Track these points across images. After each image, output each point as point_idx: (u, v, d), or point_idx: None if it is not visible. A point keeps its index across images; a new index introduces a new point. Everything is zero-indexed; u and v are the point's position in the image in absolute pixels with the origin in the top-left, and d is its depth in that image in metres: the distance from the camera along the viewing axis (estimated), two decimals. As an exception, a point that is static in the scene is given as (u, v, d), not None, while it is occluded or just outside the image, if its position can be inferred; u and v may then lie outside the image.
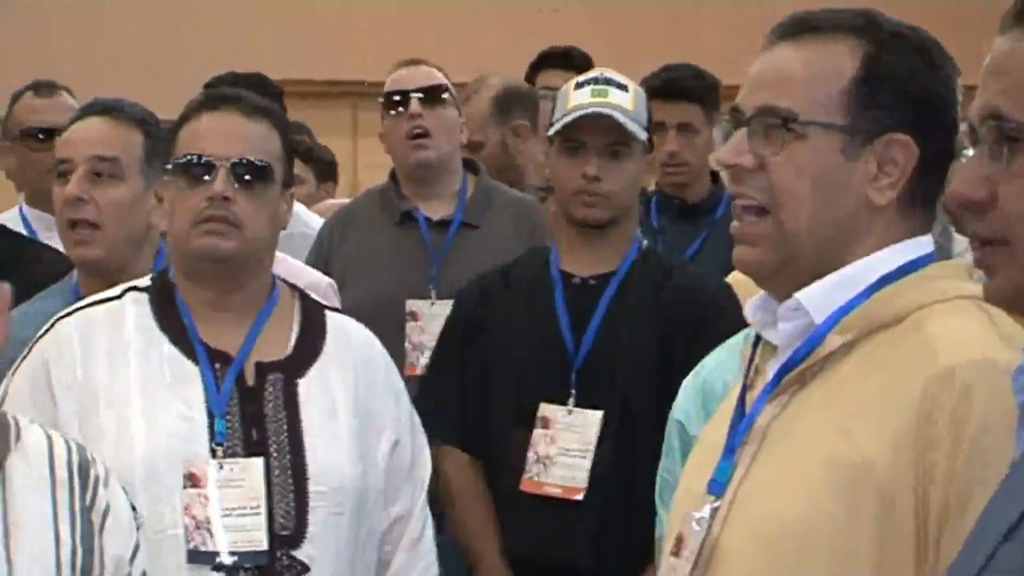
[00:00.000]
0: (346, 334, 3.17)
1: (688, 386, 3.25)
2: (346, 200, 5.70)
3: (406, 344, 4.47)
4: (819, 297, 2.08)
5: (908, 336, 2.04)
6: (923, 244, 2.13)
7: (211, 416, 2.98)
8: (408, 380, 4.00)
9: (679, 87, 5.06)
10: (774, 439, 2.11)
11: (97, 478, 2.58)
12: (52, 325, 3.05)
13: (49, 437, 2.59)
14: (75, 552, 2.51)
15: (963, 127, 1.90)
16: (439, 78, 4.77)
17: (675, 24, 9.70)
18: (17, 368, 3.03)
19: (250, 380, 3.04)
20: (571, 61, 5.69)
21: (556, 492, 3.82)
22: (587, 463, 3.77)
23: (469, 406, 3.98)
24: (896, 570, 1.97)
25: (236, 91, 3.26)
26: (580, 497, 3.77)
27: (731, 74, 5.30)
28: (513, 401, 3.92)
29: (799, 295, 2.09)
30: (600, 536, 3.71)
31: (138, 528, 2.62)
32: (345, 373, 3.11)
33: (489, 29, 9.49)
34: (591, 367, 3.86)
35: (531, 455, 3.84)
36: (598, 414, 3.80)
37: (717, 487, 2.15)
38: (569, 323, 3.90)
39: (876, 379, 2.03)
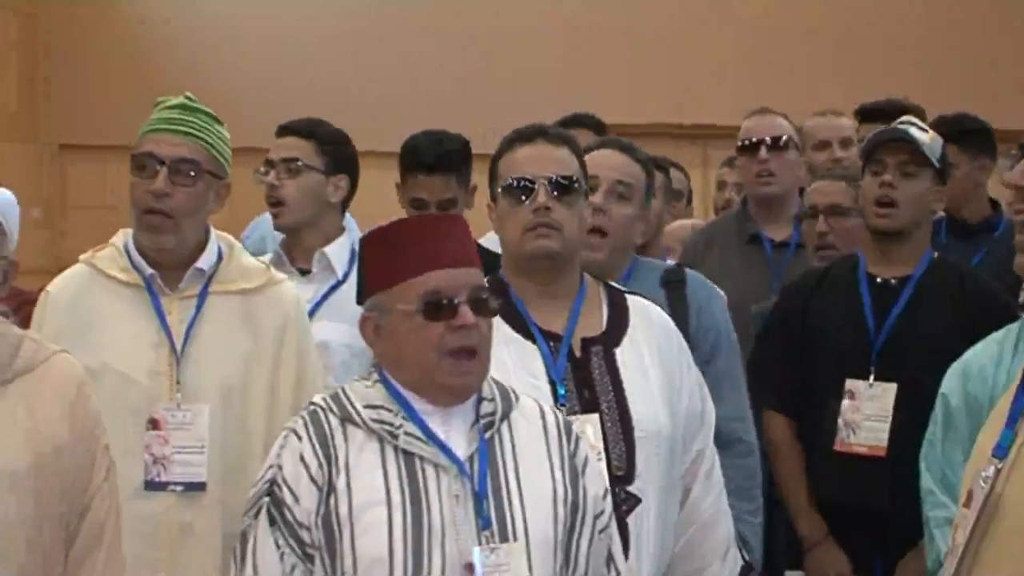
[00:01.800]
0: (648, 313, 3.63)
1: (954, 368, 3.84)
2: (692, 220, 6.50)
3: None
4: None
5: None
6: None
7: (552, 383, 3.46)
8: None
9: (946, 132, 5.44)
10: None
11: (578, 436, 3.12)
12: None
13: (538, 403, 3.13)
14: (566, 489, 3.02)
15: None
16: (784, 128, 5.51)
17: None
18: None
19: (577, 352, 3.52)
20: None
21: (863, 451, 4.42)
22: (886, 427, 4.36)
23: (791, 378, 4.60)
24: None
25: (542, 125, 3.71)
26: (882, 455, 4.35)
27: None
28: (827, 376, 4.50)
29: None
30: (896, 486, 4.22)
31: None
32: (650, 344, 3.57)
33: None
34: (888, 350, 4.43)
35: (840, 421, 4.44)
36: (893, 386, 4.38)
37: (1001, 451, 2.59)
38: (872, 314, 4.50)
39: None
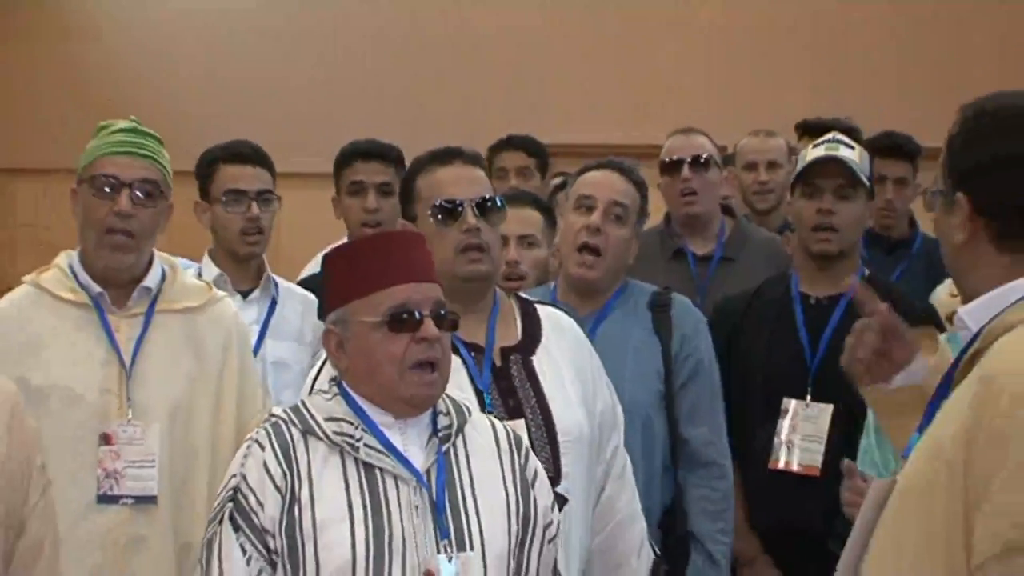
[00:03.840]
0: (558, 320, 3.76)
1: None
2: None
3: None
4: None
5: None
6: None
7: (479, 393, 3.54)
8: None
9: (900, 147, 5.77)
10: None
11: (527, 448, 3.22)
12: None
13: (489, 419, 3.23)
14: (519, 501, 3.12)
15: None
16: (705, 147, 5.56)
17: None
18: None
19: (498, 362, 3.62)
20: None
21: (798, 470, 4.45)
22: (822, 447, 4.40)
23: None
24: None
25: (455, 147, 3.76)
26: (817, 474, 4.37)
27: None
28: (762, 397, 4.53)
29: (961, 311, 2.44)
30: (833, 507, 3.94)
31: None
32: (564, 351, 3.69)
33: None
34: (824, 370, 4.42)
35: (776, 441, 4.47)
36: (829, 407, 4.42)
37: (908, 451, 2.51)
38: (807, 335, 4.55)
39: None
